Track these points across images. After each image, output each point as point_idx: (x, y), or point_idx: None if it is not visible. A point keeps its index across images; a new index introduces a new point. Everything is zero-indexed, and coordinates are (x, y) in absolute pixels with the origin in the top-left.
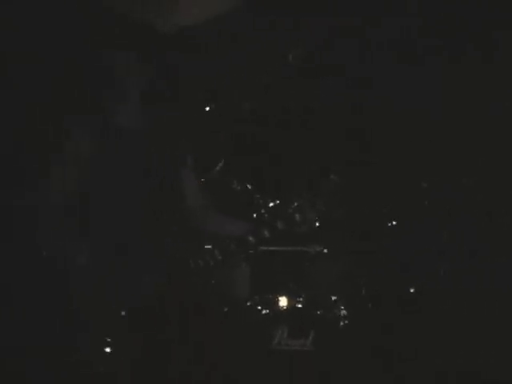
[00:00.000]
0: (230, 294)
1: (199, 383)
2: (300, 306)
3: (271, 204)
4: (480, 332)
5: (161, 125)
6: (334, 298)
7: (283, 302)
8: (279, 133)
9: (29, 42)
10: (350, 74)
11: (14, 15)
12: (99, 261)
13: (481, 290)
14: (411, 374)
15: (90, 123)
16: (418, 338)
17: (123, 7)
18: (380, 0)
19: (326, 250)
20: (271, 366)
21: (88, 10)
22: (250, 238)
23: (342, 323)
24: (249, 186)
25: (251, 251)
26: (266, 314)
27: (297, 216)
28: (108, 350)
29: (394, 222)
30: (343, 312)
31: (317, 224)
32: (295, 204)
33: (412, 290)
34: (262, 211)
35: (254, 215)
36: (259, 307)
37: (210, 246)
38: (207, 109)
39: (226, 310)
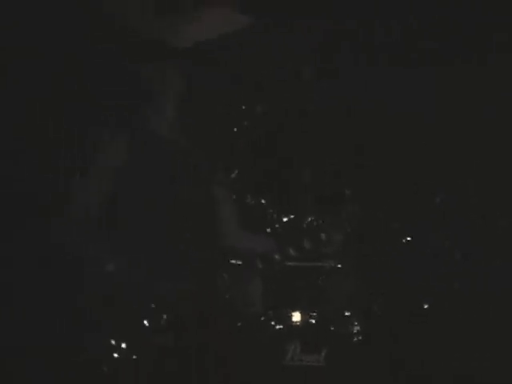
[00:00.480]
0: (243, 309)
1: None
2: (313, 321)
3: (285, 219)
4: (498, 349)
5: (193, 137)
6: (347, 313)
7: (297, 317)
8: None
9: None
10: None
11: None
12: (123, 265)
13: (496, 306)
14: None
15: (122, 132)
16: (432, 354)
17: (136, 22)
18: (373, 3)
19: (340, 266)
20: (284, 381)
21: (101, 25)
22: (276, 256)
23: (355, 339)
24: (263, 201)
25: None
26: (279, 329)
27: (323, 236)
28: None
29: (409, 238)
30: (357, 328)
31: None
32: (309, 219)
33: (426, 306)
34: (276, 226)
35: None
36: (273, 322)
37: (236, 261)
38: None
39: (239, 324)
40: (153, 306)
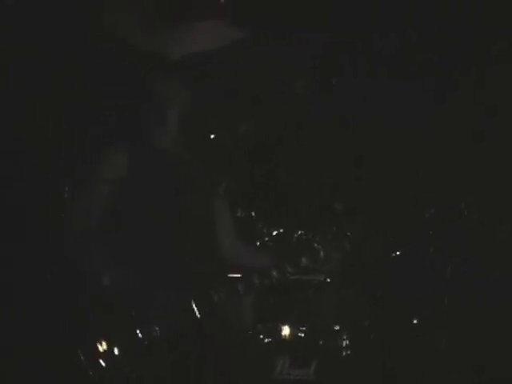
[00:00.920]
0: (232, 323)
1: None
2: (302, 335)
3: (275, 232)
4: (487, 364)
5: (196, 149)
6: (336, 327)
7: (286, 331)
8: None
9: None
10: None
11: None
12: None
13: (486, 322)
14: None
15: (123, 144)
16: (422, 368)
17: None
18: (372, 16)
19: (329, 280)
20: None
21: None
22: (274, 272)
23: (344, 353)
24: (252, 214)
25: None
26: (268, 343)
27: (321, 254)
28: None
29: (398, 252)
30: (346, 342)
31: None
32: (299, 232)
33: (415, 321)
34: (266, 239)
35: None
36: (261, 336)
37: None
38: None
39: (228, 338)
40: (153, 315)
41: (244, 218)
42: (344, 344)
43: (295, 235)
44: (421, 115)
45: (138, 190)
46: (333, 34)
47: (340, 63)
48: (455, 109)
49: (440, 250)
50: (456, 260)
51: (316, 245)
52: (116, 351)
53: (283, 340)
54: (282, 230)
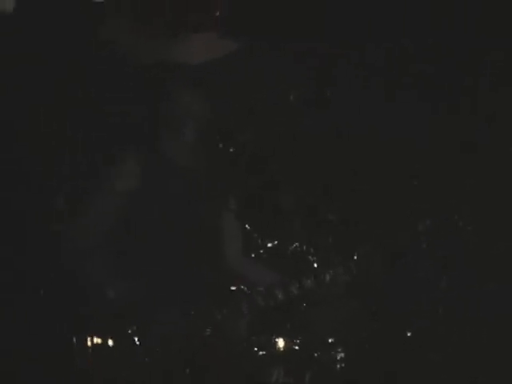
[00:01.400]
0: (227, 335)
1: None
2: (297, 347)
3: (269, 244)
4: (482, 376)
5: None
6: (331, 340)
7: (280, 343)
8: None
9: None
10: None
11: None
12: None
13: (481, 335)
14: None
15: (134, 153)
16: (417, 380)
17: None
18: (366, 27)
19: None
20: None
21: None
22: (278, 293)
23: (338, 366)
24: (247, 226)
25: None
26: (262, 355)
27: (327, 277)
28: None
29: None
30: (340, 355)
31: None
32: (294, 245)
33: (409, 334)
34: (261, 251)
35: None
36: (256, 348)
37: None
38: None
39: (223, 351)
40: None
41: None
42: (338, 357)
43: (290, 247)
44: (415, 126)
45: (147, 200)
46: (327, 45)
47: (334, 74)
48: (450, 120)
49: (434, 261)
50: (451, 271)
51: (321, 267)
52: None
53: (277, 352)
54: (276, 242)
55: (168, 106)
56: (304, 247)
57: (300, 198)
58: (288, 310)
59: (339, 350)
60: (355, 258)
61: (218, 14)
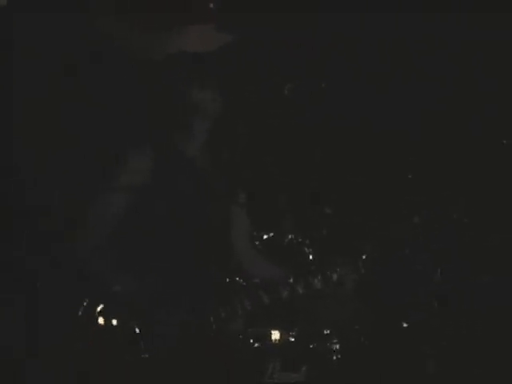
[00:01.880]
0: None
1: None
2: (293, 339)
3: (265, 236)
4: (478, 368)
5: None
6: (326, 331)
7: (276, 335)
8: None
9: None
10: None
11: None
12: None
13: (476, 327)
14: None
15: (148, 149)
16: (412, 372)
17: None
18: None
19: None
20: None
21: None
22: (284, 293)
23: (334, 357)
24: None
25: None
26: (258, 347)
27: (334, 276)
28: None
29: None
30: (336, 346)
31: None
32: (289, 236)
33: (405, 325)
34: (257, 243)
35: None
36: (251, 340)
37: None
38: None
39: (219, 342)
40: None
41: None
42: (334, 348)
43: (286, 239)
44: (408, 118)
45: (156, 196)
46: (320, 37)
47: (328, 66)
48: (443, 112)
49: (429, 253)
50: (446, 264)
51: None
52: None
53: (273, 344)
54: (272, 234)
55: (167, 99)
56: (299, 239)
57: (294, 190)
58: (283, 302)
59: (335, 341)
60: (352, 252)
61: (212, 6)
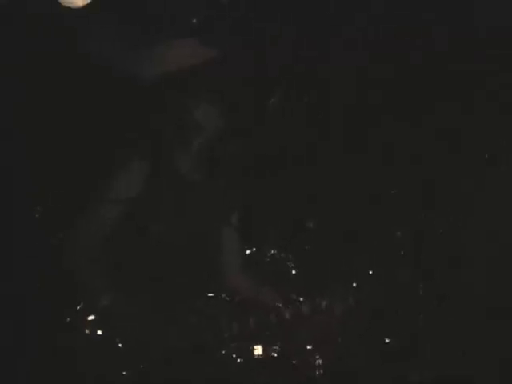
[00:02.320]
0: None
1: None
2: (275, 355)
3: (248, 251)
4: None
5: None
6: (309, 347)
7: (258, 350)
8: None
9: None
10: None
11: None
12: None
13: (459, 341)
14: None
15: (144, 164)
16: None
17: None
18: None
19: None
20: None
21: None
22: (271, 318)
23: (317, 372)
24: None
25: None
26: (240, 362)
27: (323, 304)
28: None
29: (370, 272)
30: (318, 361)
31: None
32: (271, 252)
33: (387, 341)
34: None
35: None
36: (234, 355)
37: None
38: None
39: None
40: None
41: None
42: (316, 363)
43: (268, 254)
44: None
45: (149, 211)
46: (306, 47)
47: (315, 76)
48: (428, 126)
49: (413, 268)
50: (429, 279)
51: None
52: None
53: (256, 359)
54: (254, 249)
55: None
56: (282, 254)
57: (277, 205)
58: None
59: (317, 356)
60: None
61: (194, 21)
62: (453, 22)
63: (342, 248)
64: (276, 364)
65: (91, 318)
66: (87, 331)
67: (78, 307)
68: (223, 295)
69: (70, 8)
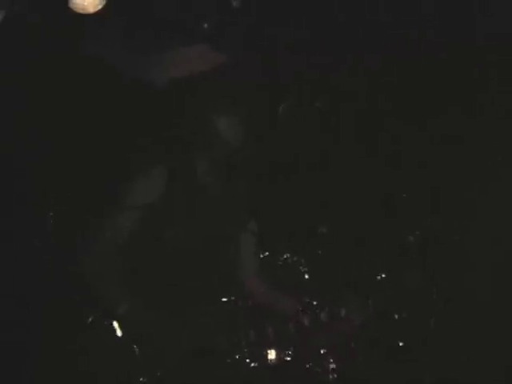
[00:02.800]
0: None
1: None
2: (289, 359)
3: (261, 256)
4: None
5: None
6: (322, 350)
7: (272, 355)
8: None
9: None
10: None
11: None
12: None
13: (471, 343)
14: None
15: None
16: None
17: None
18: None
19: (315, 303)
20: None
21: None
22: (290, 326)
23: (331, 376)
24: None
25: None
26: (254, 367)
27: (335, 309)
28: None
29: (383, 275)
30: (332, 366)
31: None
32: (284, 256)
33: (401, 344)
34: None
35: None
36: (248, 360)
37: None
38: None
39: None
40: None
41: None
42: (330, 367)
43: (281, 258)
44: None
45: (166, 217)
46: (318, 53)
47: (325, 84)
48: (433, 132)
49: (424, 272)
50: (440, 282)
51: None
52: None
53: (269, 364)
54: (267, 254)
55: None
56: (294, 258)
57: (290, 210)
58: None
59: (331, 360)
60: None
61: (205, 26)
62: (462, 29)
63: (354, 252)
64: (289, 368)
65: (108, 323)
66: (104, 337)
67: (95, 314)
68: (238, 300)
69: (81, 14)
